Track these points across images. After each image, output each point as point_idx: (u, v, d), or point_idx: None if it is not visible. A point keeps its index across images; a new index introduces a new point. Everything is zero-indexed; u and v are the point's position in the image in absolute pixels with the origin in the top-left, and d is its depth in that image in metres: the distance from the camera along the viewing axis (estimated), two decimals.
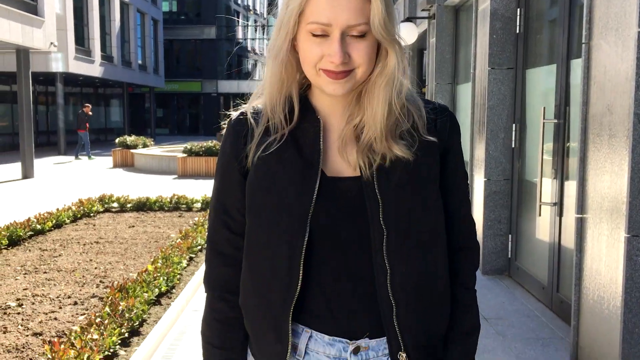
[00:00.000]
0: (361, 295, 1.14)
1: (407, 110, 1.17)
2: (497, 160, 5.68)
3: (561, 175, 4.57)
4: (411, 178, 1.14)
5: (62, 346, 3.37)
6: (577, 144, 3.79)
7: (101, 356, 3.58)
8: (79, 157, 20.73)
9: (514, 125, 5.60)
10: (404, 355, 1.13)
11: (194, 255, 6.56)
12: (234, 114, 1.24)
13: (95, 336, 3.67)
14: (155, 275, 5.14)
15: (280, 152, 1.15)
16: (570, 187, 4.43)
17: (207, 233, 1.27)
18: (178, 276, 5.56)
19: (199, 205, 9.93)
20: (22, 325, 4.33)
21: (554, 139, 4.68)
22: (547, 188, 4.74)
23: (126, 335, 4.10)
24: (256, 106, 1.22)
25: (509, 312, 4.73)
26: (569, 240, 4.41)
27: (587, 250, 3.65)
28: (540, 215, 4.65)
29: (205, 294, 1.26)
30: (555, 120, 4.59)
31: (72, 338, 3.64)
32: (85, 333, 3.72)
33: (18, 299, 4.94)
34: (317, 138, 1.15)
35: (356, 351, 1.13)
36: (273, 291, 1.15)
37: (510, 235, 5.72)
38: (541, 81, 5.13)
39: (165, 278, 5.24)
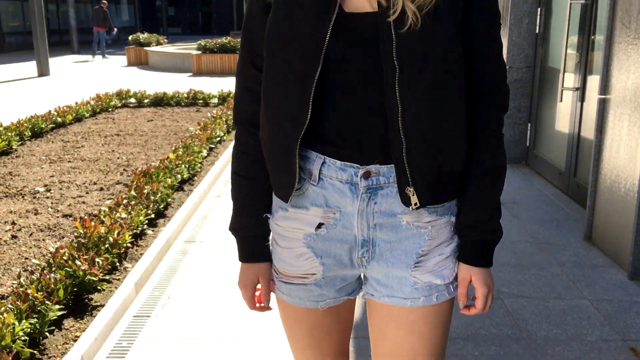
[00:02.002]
0: (372, 127, 1.15)
1: None
2: (519, 47, 5.55)
3: (585, 59, 4.48)
4: (428, 13, 1.10)
5: (93, 223, 3.52)
6: (604, 25, 3.68)
7: (130, 233, 3.73)
8: (95, 55, 20.50)
9: (539, 9, 5.41)
10: (412, 189, 1.14)
11: (213, 146, 6.64)
12: None
13: (124, 215, 3.81)
14: (177, 162, 5.24)
15: None
16: (595, 71, 4.35)
17: (236, 72, 1.29)
18: (199, 165, 5.66)
19: (215, 100, 9.92)
20: (52, 208, 4.49)
21: (580, 21, 4.54)
22: (570, 73, 4.66)
23: (152, 216, 4.25)
24: None
25: (525, 197, 4.81)
26: (589, 125, 4.39)
27: (607, 131, 3.65)
28: (561, 101, 4.60)
29: (234, 130, 1.31)
30: (583, 1, 4.43)
31: (102, 216, 3.78)
32: (114, 212, 3.86)
33: (46, 185, 5.10)
34: None
35: (366, 176, 1.16)
36: (285, 124, 1.17)
37: (529, 124, 5.69)
38: None
39: (187, 166, 5.34)
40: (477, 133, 1.22)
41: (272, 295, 1.35)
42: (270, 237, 1.30)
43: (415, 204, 1.15)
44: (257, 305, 1.33)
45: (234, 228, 1.31)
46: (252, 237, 1.29)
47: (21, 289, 2.75)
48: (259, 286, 1.33)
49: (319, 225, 1.20)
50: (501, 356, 2.63)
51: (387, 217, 1.18)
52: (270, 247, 1.32)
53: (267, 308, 1.34)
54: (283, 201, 1.23)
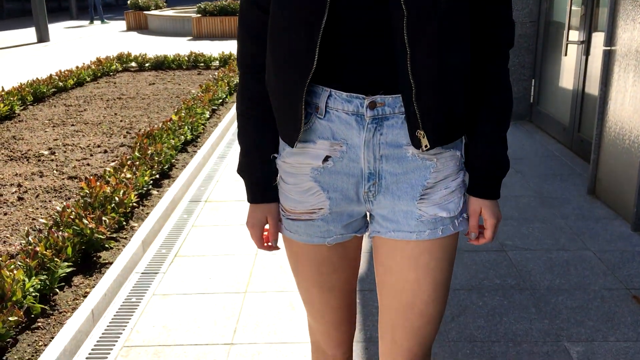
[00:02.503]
0: (379, 65, 1.16)
1: None
2: (523, 2, 5.46)
3: (591, 13, 4.41)
4: None
5: (98, 183, 3.53)
6: None
7: (135, 193, 3.76)
8: (94, 20, 20.29)
9: None
10: (422, 132, 1.15)
11: (216, 108, 6.62)
12: None
13: (129, 175, 3.83)
14: (179, 124, 5.23)
15: None
16: (600, 26, 4.29)
17: (238, 15, 1.28)
18: (202, 126, 5.66)
19: (217, 63, 9.85)
20: (56, 170, 4.51)
21: None
22: (575, 26, 4.59)
23: (157, 177, 4.27)
24: None
25: (528, 153, 4.80)
26: (594, 79, 4.35)
27: (612, 84, 3.62)
28: (565, 55, 4.55)
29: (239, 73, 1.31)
30: None
31: (107, 177, 3.80)
32: (119, 172, 3.87)
33: (50, 148, 5.11)
34: None
35: (372, 106, 1.16)
36: (291, 71, 1.17)
37: (533, 80, 5.64)
38: None
39: (190, 127, 5.34)
40: (484, 69, 1.24)
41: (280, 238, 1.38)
42: (278, 178, 1.32)
43: (426, 146, 1.17)
44: (266, 244, 1.36)
45: (242, 170, 1.32)
46: (259, 178, 1.30)
47: (30, 247, 2.78)
48: (267, 226, 1.35)
49: (326, 159, 1.22)
50: (505, 306, 2.67)
51: (393, 148, 1.19)
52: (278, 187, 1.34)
53: (275, 247, 1.36)
54: (289, 146, 1.24)
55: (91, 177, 3.56)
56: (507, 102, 1.25)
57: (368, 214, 1.32)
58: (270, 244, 1.36)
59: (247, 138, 1.30)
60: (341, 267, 1.34)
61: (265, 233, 1.36)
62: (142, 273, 3.09)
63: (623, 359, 2.27)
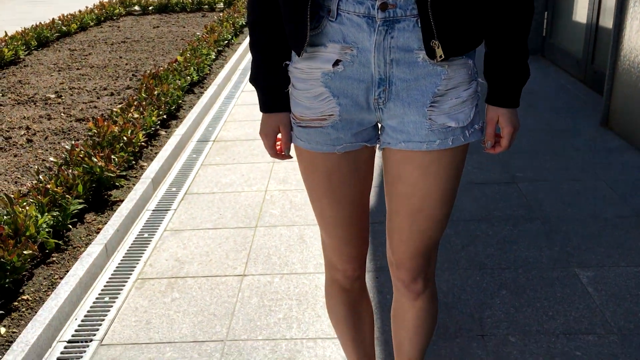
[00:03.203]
0: None
1: None
2: None
3: None
4: None
5: (106, 122, 3.52)
6: None
7: (143, 133, 3.74)
8: None
9: None
10: (437, 42, 1.12)
11: (221, 49, 6.53)
12: None
13: (136, 115, 3.81)
14: (185, 65, 5.17)
15: None
16: None
17: None
18: (208, 68, 5.59)
19: (221, 5, 9.67)
20: (64, 113, 4.50)
21: None
22: None
23: (164, 117, 4.24)
24: None
25: (541, 87, 4.72)
26: (608, 9, 4.22)
27: (628, 10, 3.51)
28: None
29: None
30: None
31: (114, 117, 3.78)
32: (126, 113, 3.85)
33: (56, 92, 5.08)
34: None
35: (383, 7, 1.13)
36: None
37: (545, 13, 5.49)
38: None
39: (196, 68, 5.27)
40: None
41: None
42: (290, 85, 1.30)
43: (440, 56, 1.14)
44: (279, 153, 1.37)
45: (254, 78, 1.31)
46: (271, 87, 1.29)
47: (41, 185, 2.79)
48: (280, 136, 1.35)
49: (336, 62, 1.19)
50: (515, 235, 2.67)
51: (403, 53, 1.16)
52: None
53: (288, 156, 1.37)
54: (296, 54, 1.22)
55: (99, 117, 3.54)
56: (528, 9, 1.21)
57: (379, 125, 1.30)
58: (283, 152, 1.36)
59: (259, 46, 1.28)
60: (352, 178, 1.33)
61: (278, 144, 1.36)
62: (153, 210, 3.10)
63: (633, 283, 2.28)
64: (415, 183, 1.26)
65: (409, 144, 1.23)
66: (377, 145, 1.31)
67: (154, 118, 3.94)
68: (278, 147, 1.37)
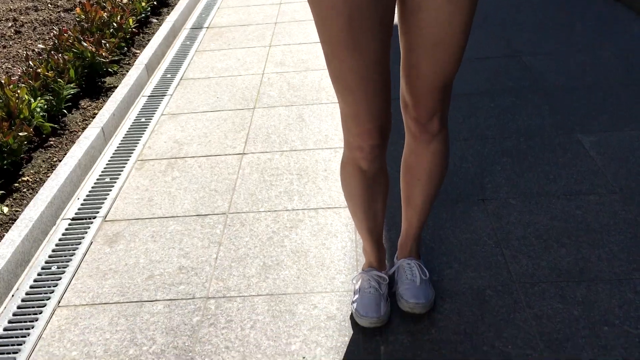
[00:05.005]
0: None
1: None
2: None
3: None
4: None
5: (94, 7, 3.39)
6: None
7: (134, 19, 3.61)
8: None
9: None
10: None
11: None
12: None
13: (125, 0, 3.66)
14: None
15: None
16: None
17: None
18: None
19: None
20: (51, 4, 4.33)
21: None
22: None
23: (154, 3, 4.08)
24: None
25: None
26: None
27: None
28: None
29: None
30: None
31: (102, 2, 3.64)
32: None
33: None
34: None
35: None
36: None
37: None
38: None
39: None
40: None
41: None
42: None
43: None
44: None
45: None
46: None
47: (31, 70, 2.72)
48: None
49: None
50: (517, 105, 2.62)
51: None
52: None
53: None
54: None
55: (86, 2, 3.41)
56: None
57: None
58: None
59: None
60: (375, 24, 1.19)
61: None
62: (148, 96, 3.05)
63: (637, 145, 2.25)
64: (438, 9, 1.20)
65: None
66: None
67: (143, 4, 3.79)
68: None
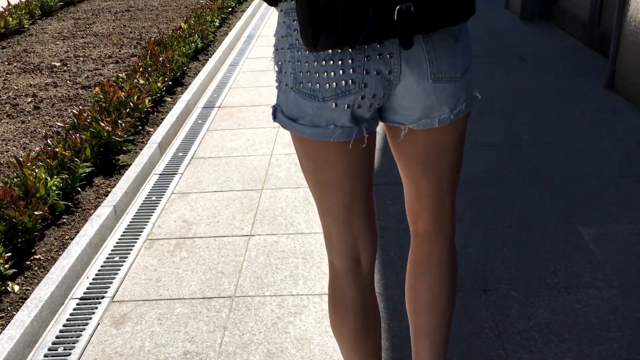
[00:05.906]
0: None
1: None
2: None
3: None
4: None
5: (112, 88, 3.54)
6: None
7: (150, 99, 3.76)
8: None
9: None
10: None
11: (225, 17, 6.50)
12: None
13: (142, 81, 3.82)
14: (189, 32, 5.16)
15: None
16: None
17: None
18: (212, 35, 5.57)
19: None
20: (70, 81, 4.51)
21: None
22: None
23: (170, 83, 4.26)
24: None
25: (546, 50, 4.69)
26: None
27: None
28: None
29: None
30: None
31: (120, 82, 3.80)
32: (132, 78, 3.87)
33: (62, 60, 5.09)
34: None
35: None
36: None
37: None
38: None
39: (200, 35, 5.26)
40: None
41: None
42: None
43: None
44: None
45: None
46: None
47: (49, 149, 2.83)
48: None
49: None
50: (519, 194, 2.69)
51: None
52: None
53: None
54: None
55: (105, 82, 3.56)
56: None
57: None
58: None
59: None
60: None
61: None
62: (160, 174, 3.14)
63: (635, 240, 2.31)
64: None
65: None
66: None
67: (159, 84, 3.95)
68: None
